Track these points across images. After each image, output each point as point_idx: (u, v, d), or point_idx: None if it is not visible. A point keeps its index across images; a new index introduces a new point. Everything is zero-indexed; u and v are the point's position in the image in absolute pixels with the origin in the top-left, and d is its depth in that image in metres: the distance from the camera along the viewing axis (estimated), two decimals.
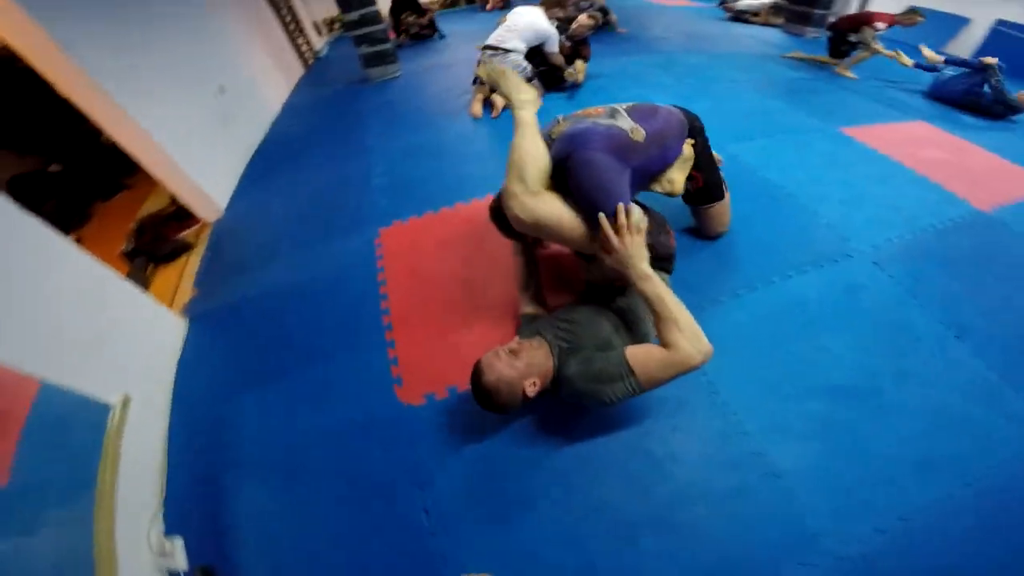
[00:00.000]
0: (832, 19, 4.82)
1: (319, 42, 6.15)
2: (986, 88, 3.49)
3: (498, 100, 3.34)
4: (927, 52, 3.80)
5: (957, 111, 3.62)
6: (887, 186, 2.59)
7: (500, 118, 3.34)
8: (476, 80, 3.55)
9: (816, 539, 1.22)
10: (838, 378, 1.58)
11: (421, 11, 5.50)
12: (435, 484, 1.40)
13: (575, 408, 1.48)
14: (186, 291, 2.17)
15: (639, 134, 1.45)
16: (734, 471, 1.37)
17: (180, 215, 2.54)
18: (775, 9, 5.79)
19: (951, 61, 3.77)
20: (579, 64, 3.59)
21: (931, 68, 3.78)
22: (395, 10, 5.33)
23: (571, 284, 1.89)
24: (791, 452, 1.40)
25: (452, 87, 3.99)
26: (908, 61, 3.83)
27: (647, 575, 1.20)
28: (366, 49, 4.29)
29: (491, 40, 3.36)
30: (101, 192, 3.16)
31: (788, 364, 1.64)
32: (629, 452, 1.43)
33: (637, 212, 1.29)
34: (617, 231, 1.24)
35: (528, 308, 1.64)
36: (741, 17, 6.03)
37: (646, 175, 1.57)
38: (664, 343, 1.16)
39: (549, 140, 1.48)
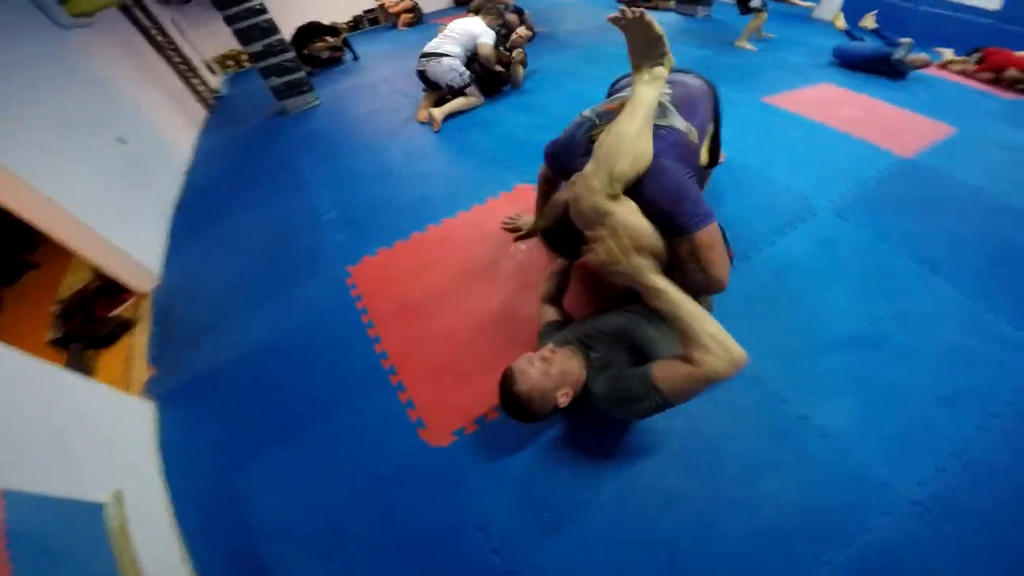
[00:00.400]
0: None
1: (215, 80, 5.66)
2: (894, 56, 3.93)
3: (436, 113, 3.22)
4: (864, 22, 4.31)
5: (855, 72, 4.04)
6: (820, 146, 2.80)
7: (443, 129, 3.22)
8: (425, 88, 3.48)
9: (887, 488, 1.24)
10: (848, 329, 1.65)
11: (334, 32, 5.23)
12: (495, 521, 1.29)
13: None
14: (141, 371, 1.84)
15: (694, 135, 1.33)
16: (786, 439, 1.38)
17: (109, 289, 2.15)
18: None
19: (884, 37, 4.24)
20: (518, 53, 3.61)
21: (860, 38, 4.26)
22: (299, 41, 5.00)
23: (596, 293, 1.83)
24: (832, 410, 1.43)
25: (382, 107, 3.80)
26: (842, 24, 4.36)
27: (742, 560, 1.16)
28: (276, 81, 3.98)
29: (427, 48, 3.30)
30: (3, 276, 2.63)
31: (800, 324, 1.69)
32: (680, 438, 1.40)
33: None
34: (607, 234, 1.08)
35: (551, 316, 1.55)
36: (636, 4, 6.40)
37: None
38: (689, 358, 1.02)
39: (589, 143, 1.28)
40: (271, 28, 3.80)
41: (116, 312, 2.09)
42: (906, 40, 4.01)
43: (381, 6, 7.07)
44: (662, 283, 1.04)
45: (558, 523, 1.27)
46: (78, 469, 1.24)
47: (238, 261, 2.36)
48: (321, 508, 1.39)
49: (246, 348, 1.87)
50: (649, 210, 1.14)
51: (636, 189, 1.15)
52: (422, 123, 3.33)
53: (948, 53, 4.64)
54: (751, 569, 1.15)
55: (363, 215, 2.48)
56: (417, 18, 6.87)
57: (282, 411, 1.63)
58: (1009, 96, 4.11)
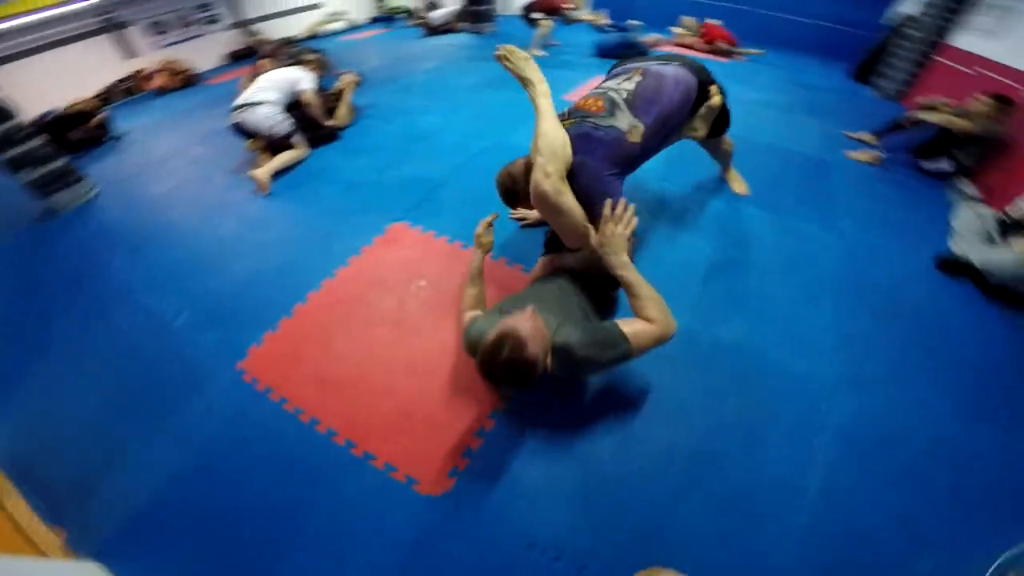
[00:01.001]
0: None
1: None
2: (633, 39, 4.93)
3: (261, 175, 2.95)
4: (600, 19, 5.23)
5: (613, 60, 4.91)
6: None
7: (275, 189, 2.95)
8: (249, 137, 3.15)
9: (813, 377, 1.63)
10: (706, 263, 2.11)
11: (87, 118, 4.32)
12: (538, 532, 1.29)
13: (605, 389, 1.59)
14: (46, 536, 1.37)
15: (637, 133, 1.52)
16: (717, 363, 1.68)
17: None
18: (460, 16, 6.81)
19: (615, 26, 5.20)
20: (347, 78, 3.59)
21: (614, 28, 5.18)
22: (53, 129, 4.00)
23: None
24: (731, 328, 1.80)
25: (187, 180, 3.26)
26: (606, 20, 5.32)
27: (751, 474, 1.39)
28: (32, 174, 3.09)
29: (239, 100, 3.00)
30: None
31: (674, 269, 2.07)
32: (647, 400, 1.58)
33: (631, 211, 1.41)
34: (612, 223, 1.36)
35: (475, 313, 1.60)
36: (438, 30, 6.86)
37: (661, 141, 1.70)
38: (646, 318, 1.28)
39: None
40: (6, 110, 2.98)
41: None
42: (635, 23, 5.09)
43: (137, 73, 6.10)
44: (631, 265, 1.36)
45: (589, 502, 1.34)
46: None
47: (90, 400, 1.85)
48: None
49: (162, 479, 1.50)
50: (579, 196, 1.45)
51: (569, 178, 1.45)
52: (261, 185, 2.95)
53: (691, 21, 6.02)
54: (762, 476, 1.37)
55: (225, 305, 2.16)
56: (186, 80, 6.11)
57: (252, 531, 1.37)
58: (724, 60, 5.45)
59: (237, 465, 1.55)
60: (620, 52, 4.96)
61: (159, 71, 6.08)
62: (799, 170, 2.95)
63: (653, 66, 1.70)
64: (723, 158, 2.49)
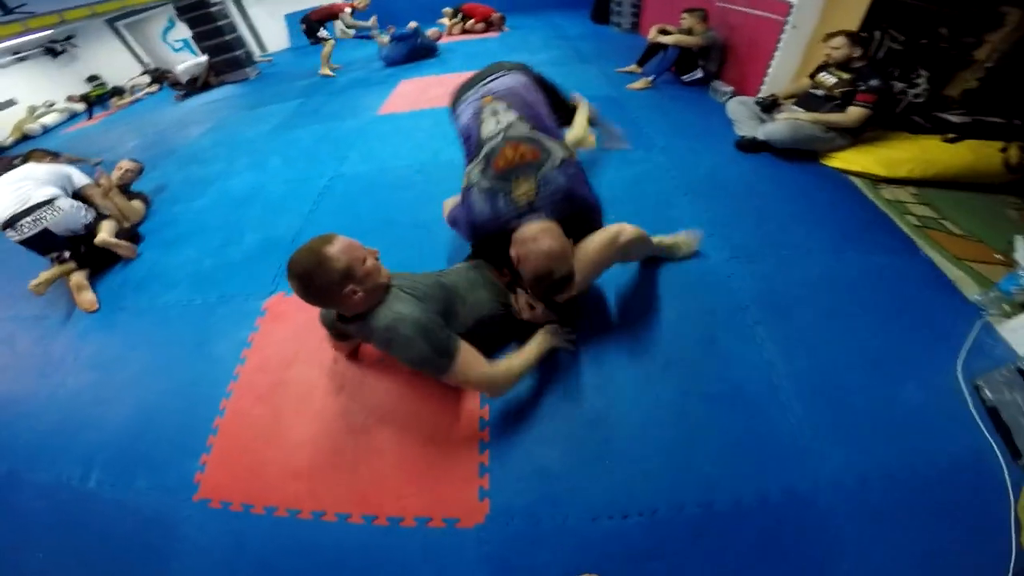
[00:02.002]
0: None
1: None
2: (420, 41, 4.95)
3: (83, 298, 2.35)
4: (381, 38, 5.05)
5: (406, 65, 4.94)
6: (445, 123, 3.37)
7: (107, 317, 2.36)
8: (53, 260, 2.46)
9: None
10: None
11: None
12: (615, 503, 1.30)
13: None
14: None
15: (567, 147, 1.49)
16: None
17: None
18: (214, 69, 6.18)
19: (396, 36, 5.09)
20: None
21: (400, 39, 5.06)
22: None
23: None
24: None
25: None
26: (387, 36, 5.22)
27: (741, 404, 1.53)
28: None
29: (12, 211, 2.34)
30: None
31: None
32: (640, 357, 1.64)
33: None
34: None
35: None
36: (195, 89, 6.13)
37: None
38: (493, 369, 1.34)
39: (523, 207, 1.37)
40: None
41: None
42: (412, 24, 5.14)
43: None
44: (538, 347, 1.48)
45: (614, 452, 1.38)
46: None
47: None
48: None
49: None
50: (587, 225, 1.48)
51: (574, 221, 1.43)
52: (92, 310, 2.35)
53: (446, 19, 6.25)
54: (734, 362, 1.53)
55: (133, 450, 1.64)
56: None
57: None
58: (491, 35, 5.84)
59: None
60: (413, 56, 5.00)
61: None
62: (602, 110, 3.34)
63: (495, 87, 1.61)
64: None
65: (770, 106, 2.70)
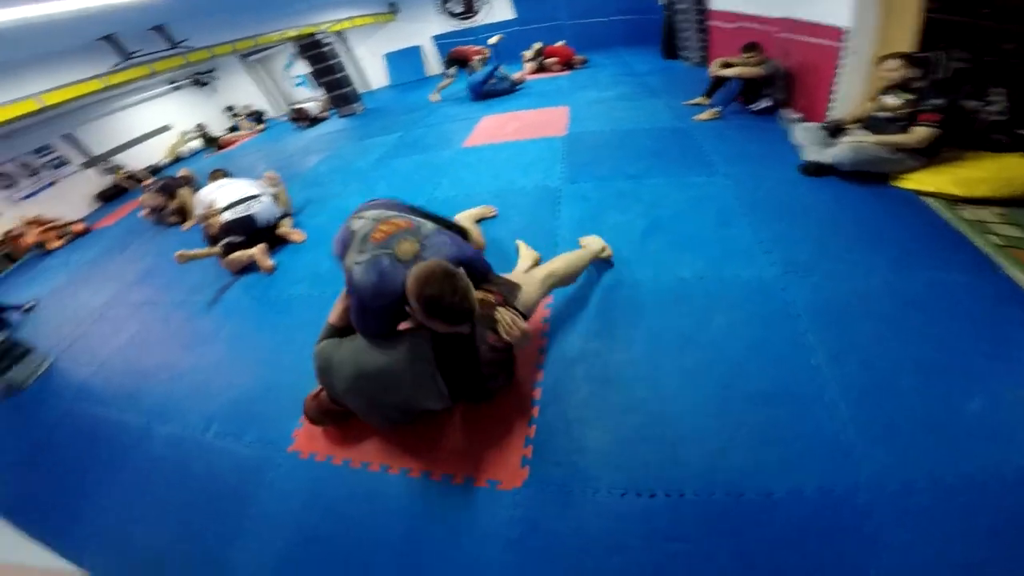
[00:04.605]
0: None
1: None
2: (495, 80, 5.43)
3: (265, 263, 3.05)
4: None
5: (487, 100, 5.41)
6: (523, 154, 3.71)
7: (243, 305, 2.89)
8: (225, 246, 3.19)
9: (763, 279, 1.94)
10: (638, 228, 2.42)
11: None
12: (643, 482, 1.36)
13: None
14: None
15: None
16: (689, 298, 1.93)
17: None
18: (327, 104, 7.08)
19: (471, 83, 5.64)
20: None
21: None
22: None
23: None
24: (687, 266, 2.08)
25: (145, 321, 2.93)
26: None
27: (756, 376, 1.61)
28: None
29: (230, 200, 3.28)
30: None
31: (615, 240, 2.36)
32: (657, 342, 1.77)
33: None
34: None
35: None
36: (312, 122, 7.03)
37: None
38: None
39: (410, 262, 1.40)
40: None
41: None
42: (491, 44, 5.71)
43: (7, 235, 5.48)
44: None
45: (648, 437, 1.46)
46: None
47: (162, 518, 1.63)
48: None
49: (270, 565, 1.46)
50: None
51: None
52: (270, 272, 3.04)
53: (530, 53, 6.75)
54: (780, 371, 1.54)
55: (249, 410, 2.06)
56: (76, 233, 5.61)
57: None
58: (564, 73, 6.20)
59: (335, 528, 1.52)
60: (490, 91, 5.51)
61: (29, 227, 5.52)
62: (668, 141, 3.48)
63: (360, 208, 1.82)
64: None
65: (835, 130, 2.70)
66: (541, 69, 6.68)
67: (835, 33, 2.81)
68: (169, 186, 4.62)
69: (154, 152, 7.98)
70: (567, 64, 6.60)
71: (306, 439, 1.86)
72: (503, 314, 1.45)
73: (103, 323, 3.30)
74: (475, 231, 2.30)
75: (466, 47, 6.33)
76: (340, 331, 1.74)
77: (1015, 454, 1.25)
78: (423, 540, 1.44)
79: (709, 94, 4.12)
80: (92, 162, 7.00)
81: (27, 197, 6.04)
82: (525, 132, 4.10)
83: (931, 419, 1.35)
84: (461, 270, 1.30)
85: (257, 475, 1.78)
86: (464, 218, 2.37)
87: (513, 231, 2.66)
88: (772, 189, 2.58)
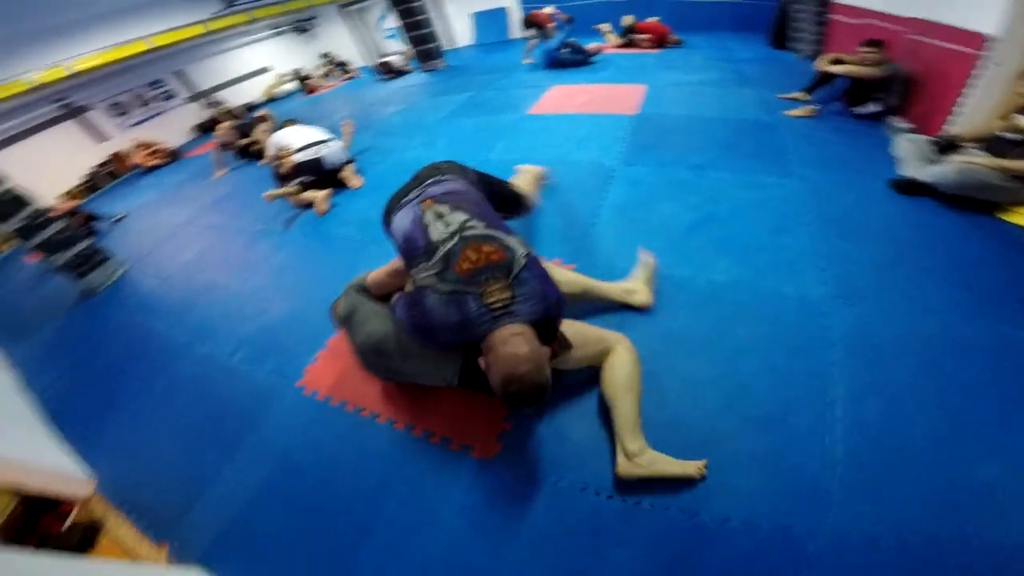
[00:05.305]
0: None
1: None
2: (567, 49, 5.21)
3: (322, 206, 3.25)
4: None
5: (561, 70, 5.22)
6: (584, 127, 3.59)
7: (297, 235, 3.11)
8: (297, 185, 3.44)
9: (806, 298, 1.77)
10: (685, 220, 2.29)
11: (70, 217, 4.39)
12: (607, 482, 1.34)
13: None
14: (152, 551, 1.46)
15: (524, 245, 1.39)
16: (715, 301, 1.80)
17: (41, 508, 1.63)
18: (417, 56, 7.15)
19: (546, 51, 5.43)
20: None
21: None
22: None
23: None
24: (721, 269, 1.95)
25: (210, 243, 3.39)
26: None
27: (774, 383, 1.50)
28: (64, 256, 3.13)
29: (303, 142, 3.54)
30: None
31: (657, 231, 2.25)
32: (668, 341, 1.68)
33: None
34: None
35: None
36: (395, 74, 7.22)
37: None
38: None
39: (498, 312, 1.20)
40: (18, 199, 2.98)
41: (71, 522, 1.62)
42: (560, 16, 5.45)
43: (115, 156, 6.23)
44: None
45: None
46: None
47: (173, 436, 1.91)
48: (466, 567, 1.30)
49: (251, 487, 1.59)
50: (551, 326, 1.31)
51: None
52: (321, 214, 3.25)
53: (606, 27, 6.41)
54: (788, 395, 1.44)
55: (274, 339, 2.25)
56: (169, 156, 6.28)
57: (337, 516, 1.47)
58: (653, 51, 5.80)
59: (316, 463, 1.65)
60: (565, 62, 5.29)
61: (135, 150, 6.23)
62: (748, 135, 3.17)
63: (434, 191, 1.50)
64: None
65: (947, 147, 2.31)
66: (630, 44, 6.28)
67: (977, 40, 2.38)
68: (243, 126, 4.95)
69: (252, 91, 8.58)
70: (659, 42, 6.16)
71: (314, 376, 1.99)
72: None
73: (175, 240, 3.71)
74: (532, 195, 2.22)
75: (541, 11, 6.26)
76: (371, 296, 1.80)
77: (998, 530, 1.10)
78: (389, 486, 1.52)
79: (810, 90, 3.68)
80: (196, 97, 7.68)
81: (136, 124, 6.78)
82: (593, 106, 3.92)
83: (928, 484, 1.20)
84: (545, 352, 1.19)
85: (265, 405, 1.94)
86: (524, 180, 2.27)
87: (554, 204, 2.61)
88: (850, 202, 2.28)
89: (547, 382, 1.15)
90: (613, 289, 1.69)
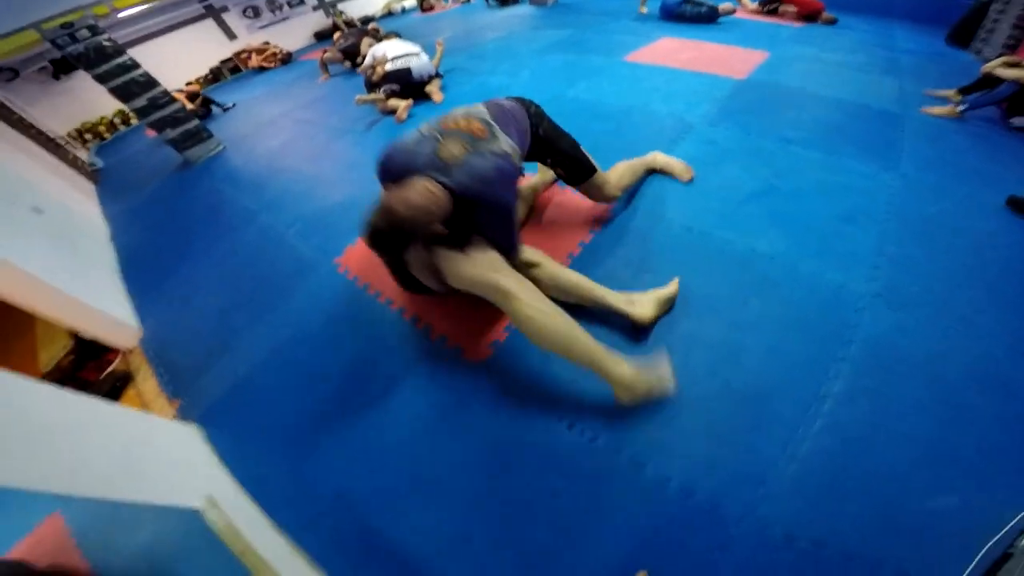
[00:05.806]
0: None
1: (84, 154, 5.15)
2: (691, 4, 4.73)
3: (402, 114, 3.46)
4: None
5: (678, 23, 4.78)
6: (679, 83, 3.31)
7: (373, 136, 3.33)
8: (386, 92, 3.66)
9: (845, 288, 1.60)
10: (748, 188, 2.10)
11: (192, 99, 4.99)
12: (593, 425, 1.35)
13: None
14: (164, 407, 1.77)
15: (517, 154, 1.43)
16: (748, 267, 1.72)
17: (90, 353, 2.01)
18: None
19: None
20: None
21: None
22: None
23: None
24: (767, 240, 1.81)
25: (295, 137, 3.72)
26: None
27: (775, 373, 1.43)
28: (172, 133, 3.74)
29: (397, 52, 3.74)
30: None
31: (715, 191, 2.12)
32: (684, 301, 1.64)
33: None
34: None
35: None
36: (506, 2, 7.12)
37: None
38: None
39: (440, 163, 1.29)
40: (150, 82, 3.59)
41: (108, 371, 1.97)
42: None
43: (238, 54, 6.88)
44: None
45: (595, 392, 1.38)
46: (161, 484, 1.23)
47: (217, 296, 2.25)
48: (404, 458, 1.39)
49: (263, 352, 1.85)
50: (485, 228, 1.42)
51: (477, 214, 1.36)
52: (400, 122, 3.46)
53: None
54: (780, 377, 1.36)
55: (327, 219, 2.50)
56: (283, 59, 6.82)
57: (335, 392, 1.63)
58: (796, 24, 5.10)
59: (324, 335, 1.85)
60: (686, 15, 4.83)
61: (256, 52, 6.82)
62: (864, 122, 2.75)
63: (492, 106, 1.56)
64: (602, 198, 1.95)
65: None
66: (772, 13, 5.54)
67: None
68: (349, 50, 5.14)
69: (374, 4, 8.88)
70: (806, 15, 5.37)
71: (348, 256, 2.20)
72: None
73: (270, 128, 4.12)
74: (618, 184, 1.99)
75: None
76: None
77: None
78: (378, 365, 1.67)
79: (966, 91, 3.10)
80: (321, 5, 8.06)
81: (263, 27, 7.29)
82: (697, 64, 3.58)
83: (872, 505, 1.12)
84: (429, 217, 1.22)
85: (303, 276, 2.18)
86: (625, 167, 2.06)
87: (615, 142, 2.54)
88: (950, 210, 1.95)
89: (402, 233, 1.20)
90: (615, 298, 1.59)
